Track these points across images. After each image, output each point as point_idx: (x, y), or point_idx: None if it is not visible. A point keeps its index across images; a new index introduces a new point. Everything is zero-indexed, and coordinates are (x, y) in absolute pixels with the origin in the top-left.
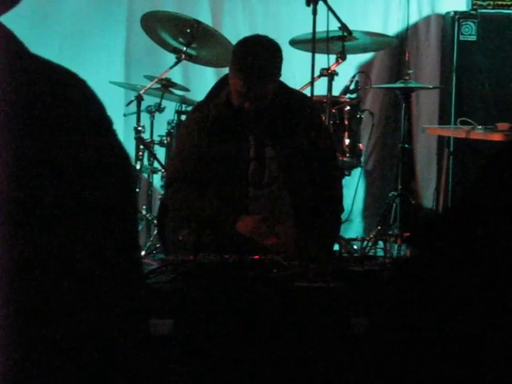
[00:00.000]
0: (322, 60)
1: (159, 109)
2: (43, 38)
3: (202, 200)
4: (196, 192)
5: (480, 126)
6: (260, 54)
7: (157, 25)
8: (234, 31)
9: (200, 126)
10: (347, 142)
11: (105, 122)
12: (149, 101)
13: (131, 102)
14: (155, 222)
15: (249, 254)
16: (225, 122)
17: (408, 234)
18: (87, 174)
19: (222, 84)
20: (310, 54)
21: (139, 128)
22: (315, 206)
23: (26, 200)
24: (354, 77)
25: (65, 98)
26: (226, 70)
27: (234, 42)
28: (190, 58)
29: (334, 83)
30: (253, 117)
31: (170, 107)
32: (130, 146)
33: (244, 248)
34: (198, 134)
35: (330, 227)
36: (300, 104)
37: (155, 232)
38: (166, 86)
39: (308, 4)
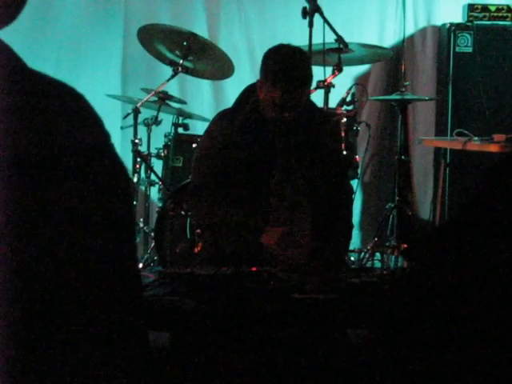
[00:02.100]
0: (319, 72)
1: (156, 121)
2: (40, 51)
3: (227, 209)
4: (221, 201)
5: (476, 138)
6: (299, 62)
7: (153, 38)
8: (231, 44)
9: (227, 135)
10: (344, 153)
11: (103, 136)
12: (146, 113)
13: (128, 114)
14: (152, 234)
15: (271, 266)
16: (252, 131)
17: (405, 245)
18: (85, 188)
19: (248, 93)
20: None
21: (136, 141)
22: (330, 221)
23: (22, 213)
24: (350, 89)
25: (63, 112)
26: (222, 83)
27: (230, 54)
28: (186, 70)
29: (330, 95)
30: (280, 127)
31: (167, 120)
32: (127, 159)
33: (267, 259)
34: (224, 143)
35: (341, 241)
36: (323, 117)
37: (152, 245)
38: (163, 98)
39: (304, 16)
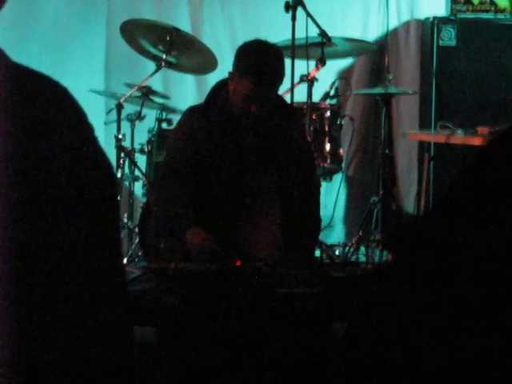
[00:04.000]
0: (302, 66)
1: (139, 117)
2: (23, 46)
3: (195, 203)
4: (185, 193)
5: (460, 131)
6: (271, 59)
7: (136, 32)
8: (214, 38)
9: (196, 131)
10: (328, 147)
11: (87, 130)
12: (129, 109)
13: (111, 110)
14: (137, 230)
15: (255, 261)
16: (222, 127)
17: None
18: (69, 181)
19: (218, 89)
20: (289, 60)
21: (120, 136)
22: (297, 216)
23: (8, 206)
24: (333, 83)
25: (47, 105)
26: (206, 77)
27: (213, 49)
28: (169, 65)
29: (313, 89)
30: (249, 122)
31: (151, 115)
32: (110, 154)
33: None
34: (195, 138)
35: (309, 236)
36: (289, 113)
37: (137, 240)
38: (147, 93)
39: (287, 10)
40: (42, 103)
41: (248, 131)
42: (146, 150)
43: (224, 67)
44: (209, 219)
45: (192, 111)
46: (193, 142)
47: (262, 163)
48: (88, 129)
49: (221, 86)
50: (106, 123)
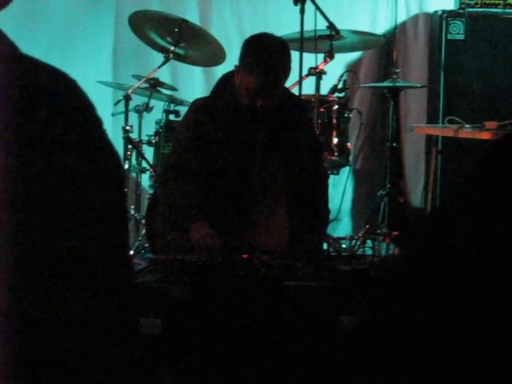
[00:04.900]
0: (310, 59)
1: (147, 108)
2: (31, 37)
3: (192, 195)
4: (190, 185)
5: (468, 125)
6: (277, 52)
7: (145, 24)
8: (222, 30)
9: (204, 122)
10: (335, 141)
11: (95, 122)
12: (137, 100)
13: (119, 101)
14: (143, 221)
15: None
16: (230, 120)
17: (396, 233)
18: (78, 174)
19: (225, 81)
20: (297, 53)
21: (127, 127)
22: (305, 207)
23: (15, 202)
24: (341, 76)
25: (56, 97)
26: (214, 70)
27: (221, 41)
28: (177, 57)
29: (321, 82)
30: (256, 115)
31: (158, 107)
32: (118, 146)
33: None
34: (202, 130)
35: (317, 227)
36: (297, 105)
37: (143, 231)
38: (154, 85)
39: (296, 3)
40: (49, 95)
41: (255, 124)
42: (153, 141)
43: (232, 59)
44: (217, 212)
45: (198, 103)
46: (200, 134)
47: (269, 155)
48: (97, 122)
49: (227, 78)
50: (113, 114)
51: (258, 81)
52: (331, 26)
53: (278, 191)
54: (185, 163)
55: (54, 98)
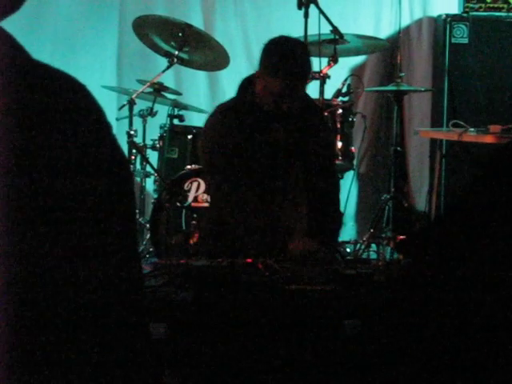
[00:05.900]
0: (314, 63)
1: (151, 113)
2: (35, 42)
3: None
4: (244, 191)
5: (472, 129)
6: (300, 54)
7: (149, 29)
8: (226, 35)
9: (230, 127)
10: (339, 145)
11: (105, 127)
12: (141, 105)
13: (123, 106)
14: (148, 226)
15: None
16: (254, 124)
17: (400, 237)
18: (88, 179)
19: (246, 86)
20: None
21: (131, 132)
22: (322, 210)
23: (25, 205)
24: (346, 80)
25: (65, 102)
26: (218, 74)
27: (226, 45)
28: (182, 61)
29: (326, 86)
30: (278, 119)
31: (163, 111)
32: None
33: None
34: (230, 135)
35: (331, 230)
36: (315, 107)
37: (148, 236)
38: (158, 90)
39: (299, 7)
40: (59, 100)
41: (278, 127)
42: (157, 146)
43: (236, 64)
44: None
45: (222, 109)
46: (228, 140)
47: (290, 159)
48: (106, 127)
49: (248, 83)
50: (117, 119)
51: (283, 84)
52: (335, 30)
53: (298, 194)
54: (230, 174)
55: (63, 102)
